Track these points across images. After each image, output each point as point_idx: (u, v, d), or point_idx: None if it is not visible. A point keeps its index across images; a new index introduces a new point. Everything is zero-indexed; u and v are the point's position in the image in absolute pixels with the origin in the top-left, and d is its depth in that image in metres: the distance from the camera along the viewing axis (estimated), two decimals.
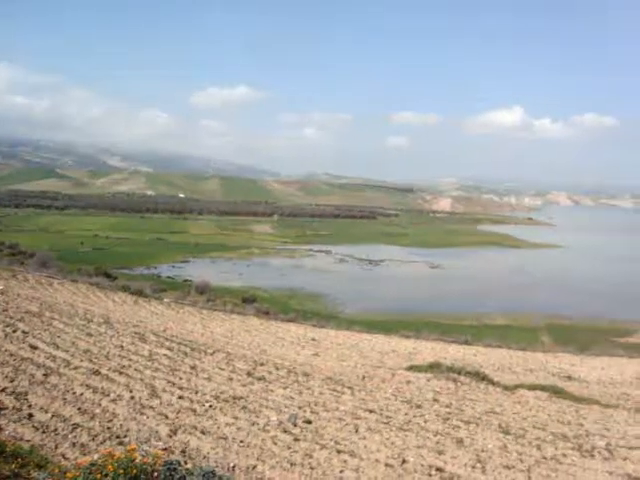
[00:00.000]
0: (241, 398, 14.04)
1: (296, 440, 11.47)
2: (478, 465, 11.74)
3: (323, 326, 39.44)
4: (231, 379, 16.13)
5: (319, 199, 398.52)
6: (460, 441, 13.18)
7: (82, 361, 15.66)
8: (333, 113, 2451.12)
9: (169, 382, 14.85)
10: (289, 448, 11.04)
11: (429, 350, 31.71)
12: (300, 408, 13.97)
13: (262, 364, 19.36)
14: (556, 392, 20.91)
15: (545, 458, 12.94)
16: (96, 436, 10.59)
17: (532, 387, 21.32)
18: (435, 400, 17.31)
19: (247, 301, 63.70)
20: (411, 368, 22.50)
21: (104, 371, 14.88)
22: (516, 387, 21.11)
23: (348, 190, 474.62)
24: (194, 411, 12.70)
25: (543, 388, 21.33)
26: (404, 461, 11.30)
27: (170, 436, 11.09)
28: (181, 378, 15.54)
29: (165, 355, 18.35)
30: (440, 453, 12.15)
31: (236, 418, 12.46)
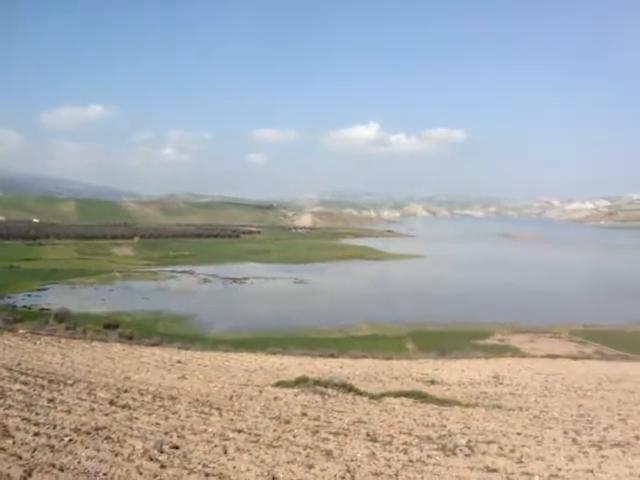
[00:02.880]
0: (104, 428, 13.41)
1: (163, 467, 11.08)
2: (347, 475, 11.83)
3: (189, 348, 38.73)
4: (93, 409, 15.41)
5: (180, 219, 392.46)
6: (329, 453, 13.25)
7: None
8: (192, 131, 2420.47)
9: (24, 419, 13.94)
10: (155, 476, 10.64)
11: (296, 365, 31.85)
12: (167, 434, 13.55)
13: (126, 391, 18.67)
14: (420, 397, 21.57)
15: (412, 461, 13.28)
16: None
17: (398, 394, 21.88)
18: (303, 414, 17.35)
19: (110, 327, 61.30)
20: (279, 384, 22.50)
21: None
22: (382, 395, 21.59)
23: (209, 209, 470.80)
24: (52, 447, 11.97)
25: (408, 394, 21.94)
26: (274, 478, 11.20)
27: (24, 478, 10.39)
28: (37, 413, 14.64)
29: (19, 390, 17.25)
30: (310, 467, 12.15)
31: (98, 450, 11.88)
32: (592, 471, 13.05)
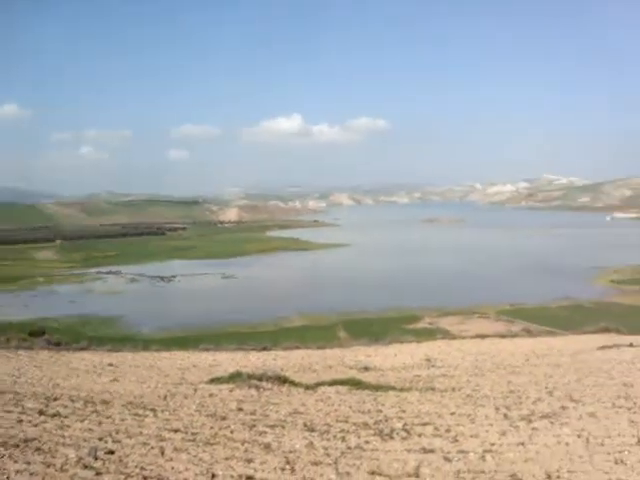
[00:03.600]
0: (33, 440, 13.00)
1: (98, 474, 10.82)
2: (287, 467, 11.86)
3: (120, 350, 37.92)
4: (21, 421, 14.92)
5: (104, 219, 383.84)
6: (268, 446, 13.24)
7: None
8: (111, 130, 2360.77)
9: None
10: None
11: (229, 361, 31.65)
12: (101, 439, 13.25)
13: (55, 399, 18.16)
14: (355, 384, 21.77)
15: (350, 448, 13.40)
16: None
17: (333, 383, 22.03)
18: (239, 409, 17.27)
19: (35, 334, 59.47)
20: (213, 381, 22.32)
21: None
22: (317, 385, 21.69)
23: (133, 207, 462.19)
24: None
25: (343, 382, 22.12)
26: (213, 475, 11.12)
27: None
28: None
29: None
30: (249, 461, 12.11)
31: (29, 463, 11.50)
32: (523, 443, 13.47)
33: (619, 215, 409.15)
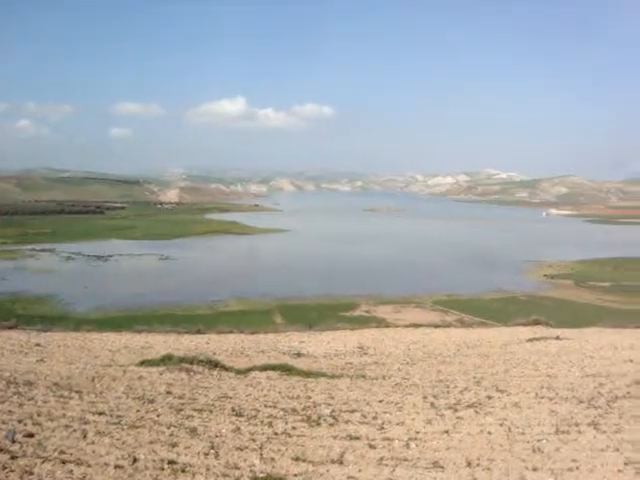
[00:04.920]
0: None
1: (13, 458, 10.52)
2: (211, 451, 11.78)
3: (50, 330, 37.11)
4: None
5: (40, 195, 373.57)
6: (194, 430, 13.14)
7: None
8: (51, 103, 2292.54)
9: None
10: (4, 469, 10.09)
11: (162, 343, 31.31)
12: (20, 422, 12.89)
13: None
14: (286, 370, 21.79)
15: (276, 434, 13.41)
16: None
17: (264, 368, 22.00)
18: (168, 393, 17.08)
19: None
20: (143, 363, 22.04)
21: None
22: (249, 370, 21.63)
23: (71, 184, 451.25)
24: None
25: (274, 367, 22.11)
26: (135, 460, 10.96)
27: None
28: None
29: None
30: (173, 445, 11.99)
31: None
32: (447, 432, 13.73)
33: (554, 211, 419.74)
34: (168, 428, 13.28)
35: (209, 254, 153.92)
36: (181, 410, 15.00)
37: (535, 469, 11.27)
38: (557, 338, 31.23)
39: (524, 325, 41.93)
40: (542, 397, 17.17)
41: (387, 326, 45.44)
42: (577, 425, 14.08)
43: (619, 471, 11.12)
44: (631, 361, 23.30)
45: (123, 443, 11.96)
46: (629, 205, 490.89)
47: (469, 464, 11.60)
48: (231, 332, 36.84)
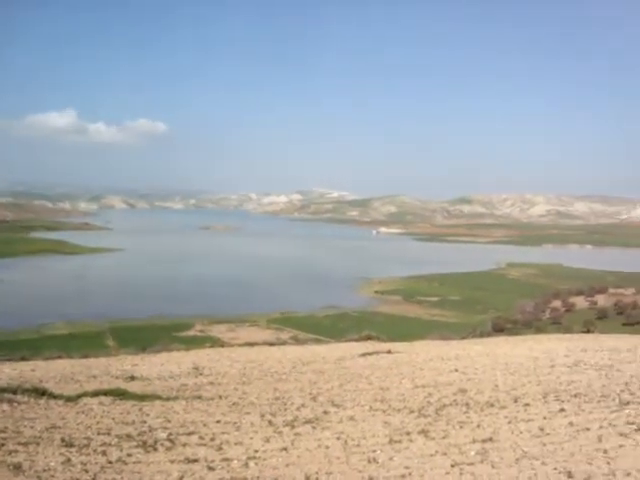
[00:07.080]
0: None
1: None
2: None
3: None
4: None
5: None
6: (18, 466, 12.25)
7: None
8: None
9: None
10: None
11: None
12: None
13: None
14: (120, 394, 21.00)
15: (111, 462, 12.88)
16: None
17: (95, 393, 21.06)
18: None
19: None
20: None
21: None
22: (79, 396, 20.61)
23: None
24: None
25: (107, 393, 21.23)
26: None
27: None
28: None
29: None
30: None
31: None
32: (286, 449, 13.84)
33: (384, 230, 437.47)
34: None
35: (35, 274, 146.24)
36: (3, 445, 13.95)
37: (371, 479, 11.64)
38: (389, 352, 32.34)
39: (357, 340, 43.08)
40: (376, 409, 17.77)
41: (222, 345, 45.15)
42: (408, 434, 14.74)
43: (447, 473, 11.83)
44: (456, 370, 24.71)
45: None
46: (452, 224, 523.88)
47: (308, 479, 11.75)
48: (59, 357, 34.91)
